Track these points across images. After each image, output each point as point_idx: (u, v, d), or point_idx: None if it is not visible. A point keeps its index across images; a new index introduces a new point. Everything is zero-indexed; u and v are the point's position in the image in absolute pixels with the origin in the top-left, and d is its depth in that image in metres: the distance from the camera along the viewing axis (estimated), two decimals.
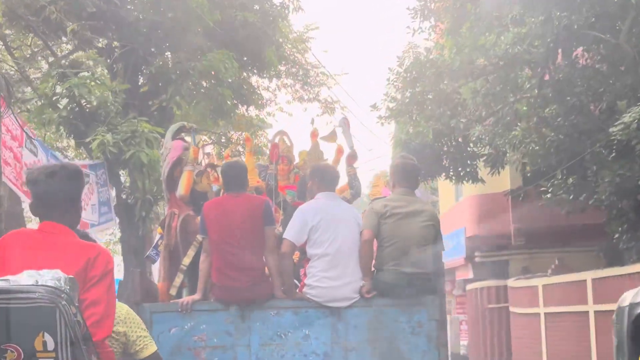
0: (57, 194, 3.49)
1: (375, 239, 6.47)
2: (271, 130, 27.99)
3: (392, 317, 6.36)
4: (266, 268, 6.45)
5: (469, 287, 20.97)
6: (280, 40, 17.23)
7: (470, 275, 22.06)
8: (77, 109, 12.03)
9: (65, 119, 11.88)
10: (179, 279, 6.96)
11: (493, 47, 12.97)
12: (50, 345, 3.00)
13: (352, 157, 7.73)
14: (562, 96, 12.73)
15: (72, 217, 3.54)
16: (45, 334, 2.99)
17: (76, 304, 3.05)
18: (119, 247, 20.74)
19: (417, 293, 6.38)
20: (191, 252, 6.92)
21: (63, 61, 12.43)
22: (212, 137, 20.04)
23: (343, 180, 7.76)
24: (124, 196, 13.09)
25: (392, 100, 15.60)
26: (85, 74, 11.68)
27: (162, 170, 7.39)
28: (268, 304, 6.35)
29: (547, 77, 13.32)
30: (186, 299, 6.43)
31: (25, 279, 3.06)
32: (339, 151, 7.83)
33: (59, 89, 11.62)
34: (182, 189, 7.13)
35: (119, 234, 18.47)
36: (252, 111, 20.80)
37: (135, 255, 12.96)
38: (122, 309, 4.26)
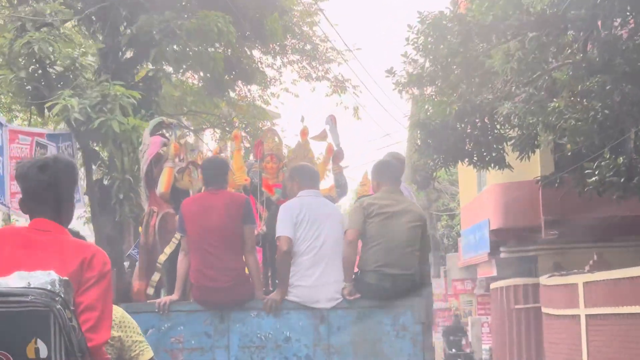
0: (49, 189, 3.39)
1: (360, 239, 6.70)
2: (279, 120, 25.72)
3: (376, 319, 6.58)
4: (246, 268, 6.72)
5: (493, 285, 19.45)
6: (286, 9, 15.21)
7: (494, 272, 20.24)
8: (39, 70, 9.93)
9: (24, 81, 9.81)
10: (156, 277, 7.15)
11: (530, 5, 10.89)
12: (44, 352, 2.89)
13: (339, 156, 7.96)
14: (610, 62, 10.66)
15: (65, 214, 3.47)
16: (38, 340, 2.90)
17: (71, 308, 3.01)
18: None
19: (402, 295, 6.59)
20: (168, 250, 7.08)
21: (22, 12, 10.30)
22: (210, 120, 17.98)
23: (330, 179, 8.13)
24: (98, 175, 11.01)
25: (412, 63, 13.48)
26: (50, 28, 9.55)
27: (141, 167, 7.60)
28: (248, 305, 6.59)
29: (589, 47, 11.26)
30: (164, 299, 6.70)
31: (15, 280, 2.99)
32: (329, 150, 8.09)
33: (16, 47, 9.50)
34: (162, 186, 7.28)
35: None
36: (255, 91, 18.67)
37: (110, 246, 10.92)
38: (117, 312, 4.19)
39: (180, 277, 6.65)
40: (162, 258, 7.06)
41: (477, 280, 26.22)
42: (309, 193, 6.77)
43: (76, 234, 3.70)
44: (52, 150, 10.29)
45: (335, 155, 7.96)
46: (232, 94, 18.03)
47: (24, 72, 10.71)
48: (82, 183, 11.86)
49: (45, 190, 3.37)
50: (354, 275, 6.66)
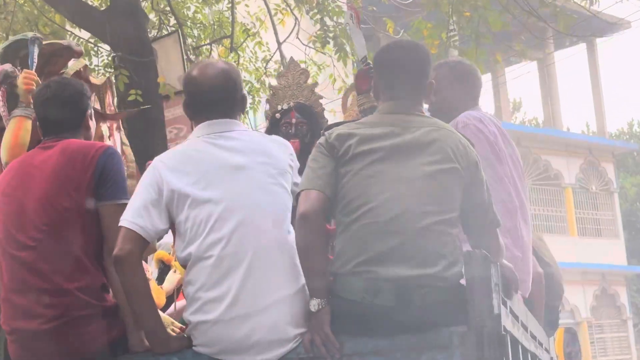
0: None
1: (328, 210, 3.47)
2: None
3: None
4: (110, 289, 3.64)
5: None
6: None
7: None
8: None
9: None
10: None
11: None
12: None
13: (362, 77, 4.72)
14: None
15: None
16: None
17: None
18: None
19: (425, 321, 3.25)
20: None
21: None
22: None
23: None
24: None
25: None
26: None
27: None
28: None
29: None
30: None
31: None
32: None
33: None
34: (4, 151, 4.23)
35: None
36: None
37: None
38: None
39: None
40: None
41: None
42: (212, 128, 3.51)
43: None
44: None
45: (359, 77, 4.82)
46: None
47: None
48: None
49: None
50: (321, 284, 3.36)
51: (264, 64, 11.59)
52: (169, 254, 4.97)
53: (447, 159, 3.38)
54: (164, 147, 6.76)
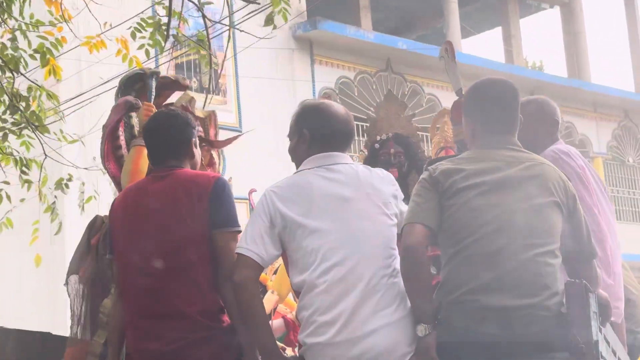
0: None
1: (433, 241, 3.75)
2: None
3: None
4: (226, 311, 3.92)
5: None
6: None
7: None
8: None
9: None
10: (100, 337, 4.44)
11: None
12: None
13: (460, 109, 4.69)
14: None
15: None
16: None
17: None
18: None
19: (528, 348, 3.43)
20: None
21: None
22: None
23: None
24: None
25: None
26: None
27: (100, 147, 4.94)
28: None
29: None
30: None
31: None
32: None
33: None
34: (125, 177, 4.58)
35: None
36: None
37: None
38: None
39: (114, 334, 4.04)
40: (108, 304, 4.43)
41: None
42: (319, 161, 3.79)
43: None
44: None
45: (455, 108, 5.04)
46: None
47: None
48: None
49: None
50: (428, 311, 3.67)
51: None
52: (265, 274, 5.30)
53: (549, 193, 3.63)
54: None
